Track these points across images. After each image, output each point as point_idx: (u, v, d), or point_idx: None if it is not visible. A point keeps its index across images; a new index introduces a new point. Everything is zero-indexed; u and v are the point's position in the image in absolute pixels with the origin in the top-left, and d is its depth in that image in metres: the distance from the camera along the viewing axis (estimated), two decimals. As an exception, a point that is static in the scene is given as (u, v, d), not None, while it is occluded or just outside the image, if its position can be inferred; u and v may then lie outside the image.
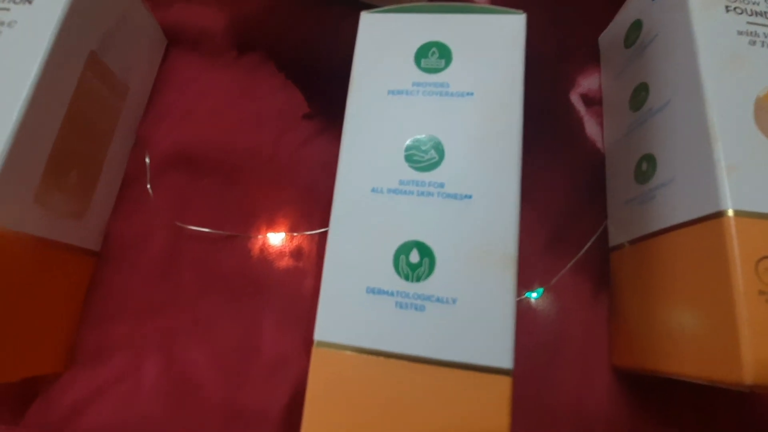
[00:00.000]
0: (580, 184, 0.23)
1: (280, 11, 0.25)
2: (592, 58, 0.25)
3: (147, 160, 0.22)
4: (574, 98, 0.24)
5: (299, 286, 0.21)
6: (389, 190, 0.15)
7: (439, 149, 0.15)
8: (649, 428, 0.19)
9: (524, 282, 0.21)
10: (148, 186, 0.22)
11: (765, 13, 0.18)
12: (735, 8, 0.18)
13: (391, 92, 0.16)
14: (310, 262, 0.21)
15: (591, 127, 0.24)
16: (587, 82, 0.25)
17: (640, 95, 0.21)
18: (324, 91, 0.24)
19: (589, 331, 0.20)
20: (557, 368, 0.20)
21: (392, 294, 0.14)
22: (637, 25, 0.22)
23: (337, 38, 0.25)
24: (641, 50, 0.21)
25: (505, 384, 0.13)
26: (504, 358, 0.13)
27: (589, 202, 0.22)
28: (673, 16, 0.19)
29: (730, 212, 0.15)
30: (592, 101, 0.24)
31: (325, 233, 0.22)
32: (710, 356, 0.14)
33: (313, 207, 0.22)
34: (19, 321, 0.17)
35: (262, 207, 0.22)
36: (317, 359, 0.14)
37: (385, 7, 0.17)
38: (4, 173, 0.15)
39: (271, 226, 0.22)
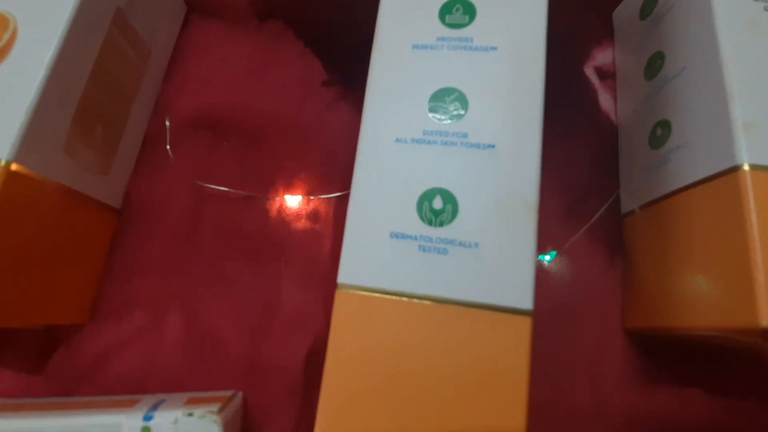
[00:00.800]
0: (593, 155, 0.23)
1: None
2: (606, 34, 0.26)
3: (167, 123, 0.23)
4: (589, 71, 0.25)
5: (317, 247, 0.21)
6: (413, 140, 0.15)
7: (463, 101, 0.15)
8: (660, 390, 0.19)
9: (541, 245, 0.21)
10: (168, 147, 0.22)
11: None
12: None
13: (416, 46, 0.16)
14: (328, 225, 0.22)
15: (605, 100, 0.24)
16: (602, 56, 0.25)
17: (655, 64, 0.21)
18: (343, 60, 0.24)
19: (602, 295, 0.20)
20: (571, 330, 0.20)
21: (416, 238, 0.15)
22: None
23: (354, 7, 0.25)
24: (657, 21, 0.21)
25: (525, 323, 0.13)
26: (525, 300, 0.14)
27: (602, 172, 0.23)
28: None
29: (746, 166, 0.15)
30: (606, 74, 0.25)
31: (342, 197, 0.22)
32: (726, 306, 0.15)
33: (331, 172, 0.23)
34: (44, 267, 0.17)
35: (281, 170, 0.22)
36: (340, 301, 0.14)
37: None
38: (34, 120, 0.16)
39: (290, 188, 0.22)
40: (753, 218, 0.14)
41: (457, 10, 0.16)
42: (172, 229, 0.21)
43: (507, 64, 0.16)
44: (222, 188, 0.22)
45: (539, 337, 0.19)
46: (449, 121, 0.15)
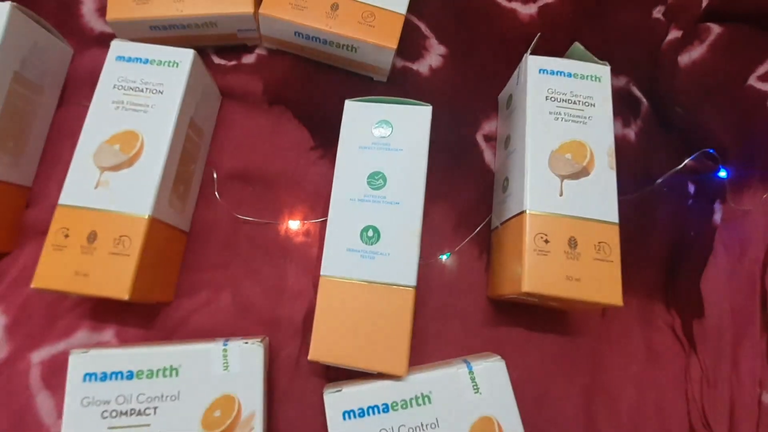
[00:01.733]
0: (478, 191, 0.37)
1: (297, 78, 0.39)
2: (493, 109, 0.40)
3: (215, 175, 0.37)
4: (479, 137, 0.39)
5: (308, 252, 0.35)
6: (359, 200, 0.30)
7: (384, 179, 0.30)
8: (503, 328, 0.34)
9: (440, 249, 0.36)
10: (216, 192, 0.36)
11: (568, 100, 0.32)
12: (550, 97, 0.32)
13: (361, 147, 0.30)
14: (315, 238, 0.36)
15: (488, 156, 0.38)
16: (488, 126, 0.39)
17: (508, 141, 0.35)
18: (323, 131, 0.38)
19: (475, 276, 0.35)
20: (455, 298, 0.35)
21: (359, 251, 0.29)
22: (510, 98, 0.36)
23: (332, 96, 0.39)
24: (511, 113, 0.36)
25: (410, 293, 0.28)
26: (411, 279, 0.28)
27: (483, 202, 0.37)
28: (521, 98, 0.33)
29: (528, 211, 0.29)
30: (491, 138, 0.39)
31: (324, 221, 0.36)
32: (515, 280, 0.29)
33: (317, 204, 0.37)
34: (161, 268, 0.31)
35: (286, 204, 0.36)
36: (323, 285, 0.29)
37: (358, 98, 0.31)
38: (158, 191, 0.29)
39: (291, 215, 0.36)
40: (527, 238, 0.29)
41: (383, 126, 0.31)
42: (221, 242, 0.35)
43: (406, 159, 0.30)
44: (249, 218, 0.36)
45: (436, 300, 0.34)
46: (377, 190, 0.30)
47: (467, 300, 0.35)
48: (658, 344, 0.34)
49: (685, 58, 0.41)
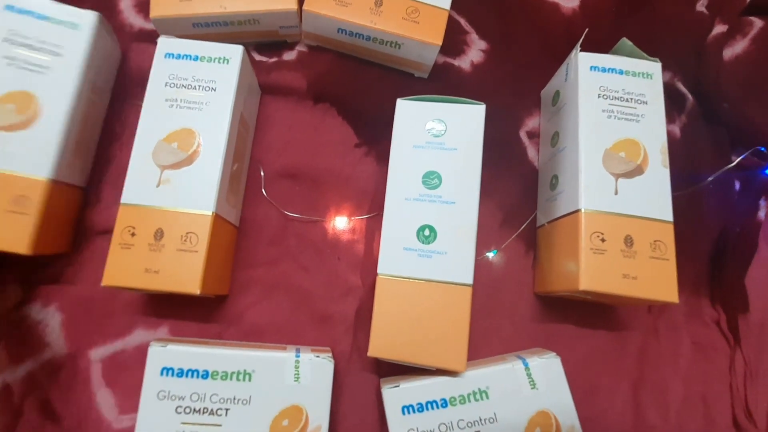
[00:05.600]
0: (522, 188, 0.38)
1: (339, 75, 0.39)
2: (535, 105, 0.40)
3: (262, 173, 0.37)
4: (522, 134, 0.39)
5: (356, 248, 0.36)
6: (414, 199, 0.30)
7: (440, 178, 0.30)
8: (552, 324, 0.35)
9: (487, 246, 0.36)
10: (263, 189, 0.37)
11: (620, 98, 0.32)
12: (602, 95, 0.32)
13: (414, 146, 0.31)
14: (361, 234, 0.36)
15: (531, 153, 0.39)
16: (531, 122, 0.39)
17: (555, 138, 0.35)
18: (367, 128, 0.38)
19: (522, 273, 0.36)
20: (503, 294, 0.35)
21: (416, 250, 0.29)
22: (557, 94, 0.36)
23: (375, 93, 0.39)
24: (558, 110, 0.36)
25: (468, 291, 0.28)
26: (468, 278, 0.28)
27: (527, 199, 0.37)
28: (572, 95, 0.33)
29: (583, 210, 0.30)
30: (534, 135, 0.39)
31: (370, 217, 0.36)
32: (571, 277, 0.30)
33: (363, 202, 0.37)
34: (221, 264, 0.32)
35: (333, 202, 0.37)
36: (380, 283, 0.29)
37: (410, 97, 0.31)
38: (219, 189, 0.30)
39: (338, 212, 0.37)
40: (582, 237, 0.29)
41: (437, 125, 0.31)
42: (270, 239, 0.36)
43: (461, 158, 0.30)
44: (297, 215, 0.36)
45: (484, 297, 0.34)
46: (432, 189, 0.30)
47: (515, 296, 0.35)
48: (703, 339, 0.35)
49: (728, 52, 0.41)
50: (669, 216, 0.30)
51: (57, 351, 0.33)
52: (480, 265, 0.36)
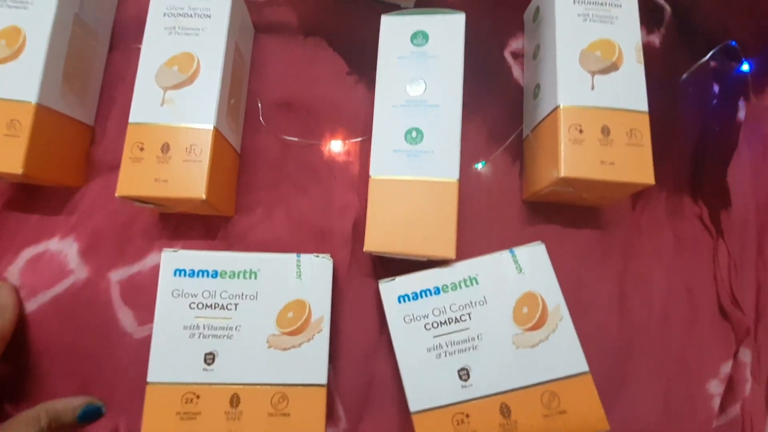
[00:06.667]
0: (508, 104, 0.39)
1: (330, 8, 0.41)
2: (519, 28, 0.41)
3: (259, 104, 0.39)
4: (507, 53, 0.40)
5: (351, 169, 0.38)
6: (401, 105, 0.32)
7: (423, 84, 0.32)
8: (539, 224, 0.36)
9: (476, 159, 0.38)
10: (261, 119, 0.39)
11: (595, 2, 0.34)
12: (578, 1, 0.34)
13: (399, 57, 0.32)
14: (356, 156, 0.38)
15: (516, 71, 0.40)
16: (515, 43, 0.41)
17: (537, 50, 0.37)
18: (358, 58, 0.40)
19: (510, 182, 0.37)
20: (493, 199, 0.37)
21: (404, 151, 0.31)
22: (537, 10, 0.38)
23: (364, 25, 0.41)
24: (538, 25, 0.37)
25: (455, 185, 0.30)
26: (454, 173, 0.30)
27: (514, 115, 0.39)
28: (549, 4, 0.35)
29: (561, 105, 0.31)
30: (518, 55, 0.40)
31: (363, 140, 0.38)
32: (551, 170, 0.31)
33: (357, 126, 0.39)
34: (224, 182, 0.34)
35: (328, 127, 0.39)
36: (373, 185, 0.31)
37: (395, 12, 0.33)
38: (218, 105, 0.32)
39: (334, 136, 0.39)
40: (562, 129, 0.31)
41: (419, 36, 0.32)
42: (270, 164, 0.38)
43: (444, 63, 0.32)
44: (295, 139, 0.38)
45: (475, 206, 0.36)
46: (417, 94, 0.32)
47: (504, 203, 0.37)
48: (686, 233, 0.36)
49: (706, -34, 0.42)
50: (644, 106, 0.31)
51: (78, 276, 0.36)
52: (470, 177, 0.37)
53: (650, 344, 0.34)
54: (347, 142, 0.39)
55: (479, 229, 0.36)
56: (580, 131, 0.31)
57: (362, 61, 0.40)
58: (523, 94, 0.39)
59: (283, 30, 0.41)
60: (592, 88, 0.32)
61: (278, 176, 0.38)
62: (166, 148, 0.31)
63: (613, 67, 0.32)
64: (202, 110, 0.32)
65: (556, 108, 0.32)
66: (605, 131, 0.31)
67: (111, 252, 0.36)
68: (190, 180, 0.30)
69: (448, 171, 0.31)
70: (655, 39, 0.40)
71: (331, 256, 0.34)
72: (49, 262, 0.36)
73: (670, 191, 0.37)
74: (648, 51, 0.39)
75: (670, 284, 0.35)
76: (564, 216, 0.36)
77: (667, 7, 0.40)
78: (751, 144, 0.38)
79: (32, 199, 0.37)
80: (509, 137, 0.38)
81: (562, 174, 0.30)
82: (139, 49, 0.33)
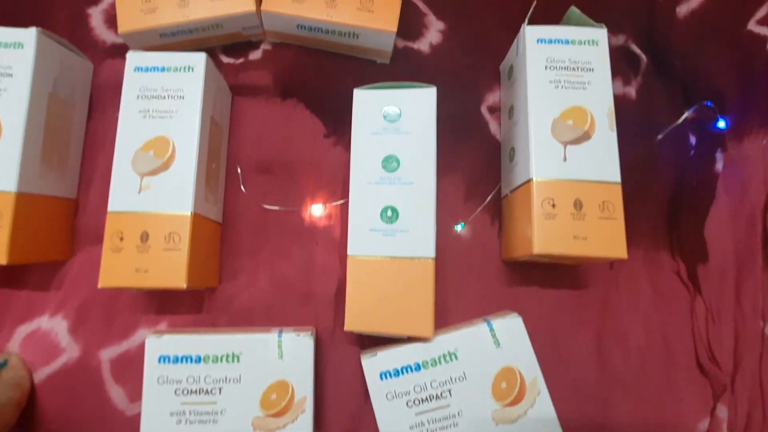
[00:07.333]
0: (486, 161, 0.39)
1: (303, 69, 0.41)
2: (495, 80, 0.41)
3: (239, 169, 0.39)
4: (483, 109, 0.40)
5: (332, 232, 0.38)
6: (376, 182, 0.32)
7: (398, 160, 0.32)
8: (518, 286, 0.37)
9: (454, 219, 0.38)
10: (242, 186, 0.39)
11: (567, 67, 0.34)
12: (550, 66, 0.34)
13: (373, 133, 0.33)
14: (336, 219, 0.39)
15: (493, 127, 0.40)
16: (492, 97, 0.41)
17: (511, 111, 0.37)
18: (334, 119, 0.40)
19: (489, 242, 0.38)
20: (472, 263, 0.37)
21: (380, 230, 0.32)
22: (511, 69, 0.37)
23: (339, 83, 0.41)
24: (512, 84, 0.37)
25: (431, 264, 0.31)
26: (430, 251, 0.31)
27: (490, 172, 0.39)
28: (521, 68, 0.35)
29: (534, 179, 0.32)
30: (494, 109, 0.41)
31: (344, 203, 0.39)
32: (527, 243, 0.32)
33: (335, 188, 0.39)
34: (206, 259, 0.34)
35: (307, 190, 0.39)
36: (351, 263, 0.32)
37: (367, 86, 0.33)
38: (196, 186, 0.32)
39: (313, 200, 0.39)
40: (535, 204, 0.31)
41: (392, 111, 0.32)
42: (251, 230, 0.38)
43: (416, 141, 0.32)
44: (275, 207, 0.39)
45: (455, 267, 0.37)
46: (392, 172, 0.32)
47: (483, 264, 0.37)
48: (664, 289, 0.37)
49: (683, 9, 0.42)
50: (616, 177, 0.31)
51: (71, 355, 0.36)
52: (449, 237, 0.38)
53: (628, 400, 0.35)
54: (327, 205, 0.39)
55: (459, 291, 0.37)
56: (553, 205, 0.31)
57: (339, 122, 0.40)
58: (501, 151, 0.40)
59: (261, 92, 0.41)
60: (565, 159, 0.32)
61: (260, 241, 0.38)
62: (145, 237, 0.31)
63: (586, 136, 0.32)
64: (179, 196, 0.32)
65: (530, 181, 0.32)
66: (578, 205, 0.31)
67: (99, 329, 0.37)
68: (170, 269, 0.31)
69: (424, 249, 0.31)
70: (631, 90, 0.40)
71: (315, 326, 0.35)
72: (43, 340, 0.36)
73: (648, 247, 0.37)
74: (624, 103, 0.40)
75: (648, 339, 0.36)
76: (543, 275, 0.37)
77: (644, 57, 0.40)
78: (729, 191, 0.38)
79: (20, 274, 0.37)
80: (487, 194, 0.38)
81: (535, 251, 0.31)
82: (116, 118, 0.33)
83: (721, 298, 0.37)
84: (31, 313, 0.37)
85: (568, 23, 0.37)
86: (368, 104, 0.33)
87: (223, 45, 0.42)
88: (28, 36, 0.34)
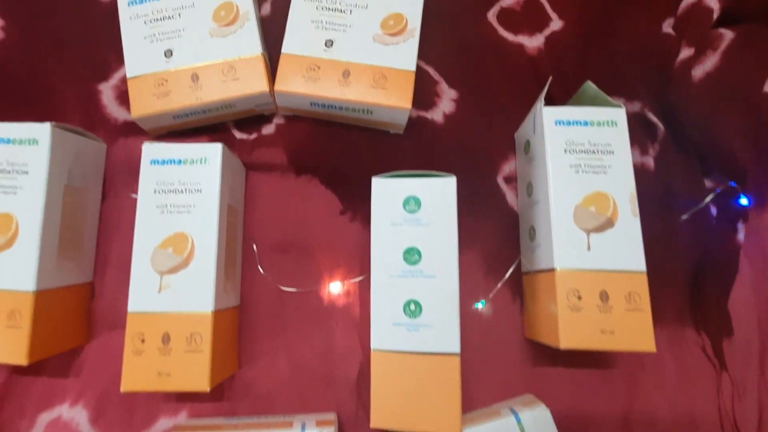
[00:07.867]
0: (504, 234, 0.39)
1: (317, 142, 0.41)
2: (510, 148, 0.41)
3: (255, 248, 0.39)
4: (500, 179, 0.40)
5: (352, 311, 0.38)
6: (398, 275, 0.32)
7: (419, 253, 0.32)
8: (543, 367, 0.36)
9: (474, 297, 0.38)
10: (259, 267, 0.39)
11: (587, 150, 0.33)
12: (569, 150, 0.33)
13: (393, 224, 0.32)
14: (356, 297, 0.38)
15: (510, 198, 0.40)
16: (507, 167, 0.40)
17: (530, 188, 0.37)
18: (350, 194, 0.40)
19: (511, 320, 0.37)
20: (494, 341, 0.37)
21: (404, 324, 0.31)
22: (528, 144, 0.37)
23: (354, 155, 0.40)
24: (531, 160, 0.37)
25: (456, 360, 0.30)
26: (455, 347, 0.30)
27: (510, 245, 0.39)
28: (540, 149, 0.34)
29: (558, 269, 0.31)
30: (511, 179, 0.40)
31: (362, 279, 0.38)
32: (554, 335, 0.31)
33: (353, 265, 0.39)
34: (226, 349, 0.34)
35: (324, 268, 0.39)
36: (375, 358, 0.31)
37: (385, 174, 0.33)
38: (216, 278, 0.32)
39: (331, 278, 0.39)
40: (560, 295, 0.31)
41: (412, 202, 0.32)
42: (269, 312, 0.38)
43: (438, 231, 0.32)
44: (292, 289, 0.38)
45: (476, 345, 0.36)
46: (413, 265, 0.32)
47: (505, 343, 0.37)
48: (690, 366, 0.36)
49: (698, 71, 0.41)
50: (642, 266, 0.31)
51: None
52: (470, 315, 0.37)
53: (659, 481, 0.35)
54: (346, 282, 0.39)
55: (481, 370, 0.36)
56: (579, 298, 0.31)
57: (355, 197, 0.40)
58: (519, 223, 0.39)
59: (275, 168, 0.40)
60: (588, 248, 0.31)
61: (279, 323, 0.38)
62: (167, 338, 0.31)
63: (609, 223, 0.32)
64: (200, 294, 0.32)
65: (553, 270, 0.31)
66: (604, 297, 0.31)
67: (120, 419, 0.36)
68: (193, 372, 0.31)
69: (450, 345, 0.31)
70: (649, 160, 0.40)
71: (337, 411, 0.34)
72: (64, 430, 0.36)
73: (672, 324, 0.37)
74: (643, 174, 0.39)
75: (675, 420, 0.35)
76: (567, 355, 0.36)
77: (660, 125, 0.40)
78: (752, 261, 0.38)
79: (38, 361, 0.37)
80: (507, 268, 0.38)
81: (562, 346, 0.30)
82: (132, 198, 0.33)
83: (746, 372, 0.36)
84: (51, 401, 0.37)
85: (583, 98, 0.36)
86: (387, 193, 0.33)
87: (235, 120, 0.41)
88: (43, 132, 0.34)
